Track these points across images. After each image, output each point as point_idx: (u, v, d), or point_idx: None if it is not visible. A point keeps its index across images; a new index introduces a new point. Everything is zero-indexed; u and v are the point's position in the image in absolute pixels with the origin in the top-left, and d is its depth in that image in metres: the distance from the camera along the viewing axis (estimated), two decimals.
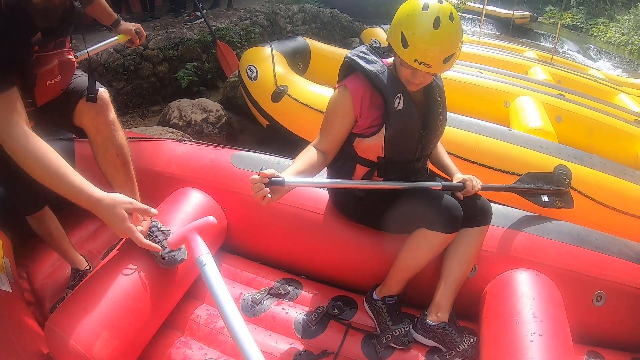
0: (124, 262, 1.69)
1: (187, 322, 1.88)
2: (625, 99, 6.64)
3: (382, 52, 1.86)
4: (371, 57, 1.80)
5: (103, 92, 1.73)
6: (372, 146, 1.82)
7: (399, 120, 1.76)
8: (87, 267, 2.08)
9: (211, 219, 1.59)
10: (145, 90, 5.06)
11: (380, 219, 1.93)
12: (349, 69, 1.83)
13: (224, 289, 1.38)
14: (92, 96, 1.69)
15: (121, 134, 1.77)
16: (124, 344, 1.54)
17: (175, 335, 1.83)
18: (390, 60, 1.83)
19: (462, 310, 1.98)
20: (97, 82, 1.72)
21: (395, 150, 1.83)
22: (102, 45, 2.34)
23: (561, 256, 2.03)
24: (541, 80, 5.98)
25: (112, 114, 1.75)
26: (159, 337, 1.77)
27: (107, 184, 1.74)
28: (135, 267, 1.68)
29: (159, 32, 5.51)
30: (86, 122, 1.71)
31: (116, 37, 2.30)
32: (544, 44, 18.57)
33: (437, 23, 1.56)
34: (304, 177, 1.66)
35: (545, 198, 2.26)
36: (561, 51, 17.34)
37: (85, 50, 1.90)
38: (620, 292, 2.02)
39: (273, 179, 1.46)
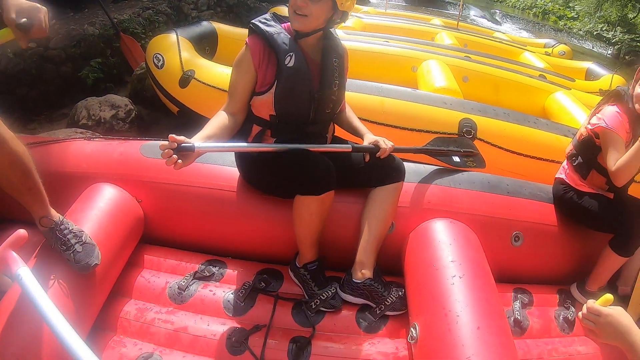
0: (40, 273, 1.57)
1: (117, 320, 1.82)
2: (530, 56, 7.07)
3: (283, 19, 1.94)
4: (271, 22, 1.89)
5: None
6: (264, 103, 1.86)
7: (289, 77, 1.82)
8: None
9: (21, 231, 1.45)
10: (51, 94, 4.76)
11: (284, 187, 1.97)
12: (251, 32, 1.89)
13: (46, 300, 1.30)
14: None
15: (10, 154, 1.49)
16: (55, 354, 1.47)
17: (107, 336, 1.76)
18: (289, 24, 1.89)
19: (387, 266, 2.05)
20: None
21: (285, 108, 1.87)
22: None
23: (475, 203, 2.15)
24: (447, 45, 6.25)
25: None
26: (90, 342, 1.69)
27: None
28: (53, 276, 1.60)
29: (59, 30, 5.19)
30: None
31: None
32: (450, 11, 19.25)
33: None
34: (214, 142, 1.68)
35: (456, 159, 2.36)
36: (468, 18, 18.07)
37: None
38: (536, 230, 2.18)
39: (182, 144, 1.48)
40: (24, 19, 1.38)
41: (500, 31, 11.99)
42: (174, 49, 4.03)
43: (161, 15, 6.66)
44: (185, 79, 3.83)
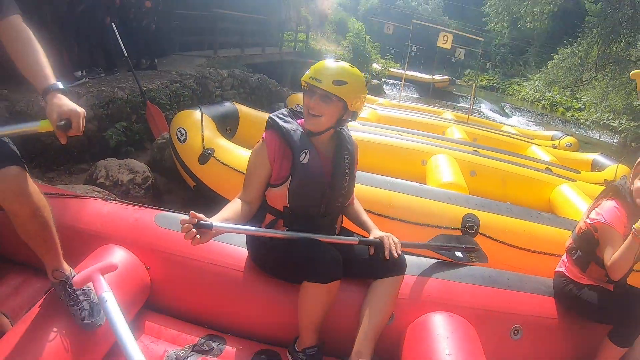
0: (43, 322, 1.65)
1: None
2: (537, 150, 7.32)
3: (299, 114, 2.06)
4: (288, 118, 2.03)
5: (9, 171, 1.48)
6: (279, 195, 1.96)
7: (303, 172, 1.93)
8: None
9: (114, 262, 1.65)
10: (73, 148, 4.92)
11: (292, 272, 2.03)
12: (268, 127, 2.02)
13: (124, 323, 1.46)
14: None
15: (32, 206, 1.55)
16: None
17: None
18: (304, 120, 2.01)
19: (385, 356, 2.05)
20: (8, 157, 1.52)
21: (299, 200, 1.96)
22: (14, 129, 1.60)
23: (474, 297, 2.17)
24: (457, 139, 6.50)
25: (25, 189, 1.52)
26: None
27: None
28: (56, 329, 1.64)
29: (91, 90, 5.45)
30: None
31: (36, 124, 1.58)
32: (462, 104, 19.98)
33: (336, 60, 1.96)
34: (230, 224, 1.77)
35: (459, 254, 2.42)
36: (479, 110, 18.70)
37: None
38: (536, 324, 2.18)
39: (201, 221, 1.57)
40: (64, 121, 1.54)
41: (509, 124, 12.42)
42: (197, 126, 4.21)
43: (187, 89, 6.95)
44: (205, 156, 3.97)
